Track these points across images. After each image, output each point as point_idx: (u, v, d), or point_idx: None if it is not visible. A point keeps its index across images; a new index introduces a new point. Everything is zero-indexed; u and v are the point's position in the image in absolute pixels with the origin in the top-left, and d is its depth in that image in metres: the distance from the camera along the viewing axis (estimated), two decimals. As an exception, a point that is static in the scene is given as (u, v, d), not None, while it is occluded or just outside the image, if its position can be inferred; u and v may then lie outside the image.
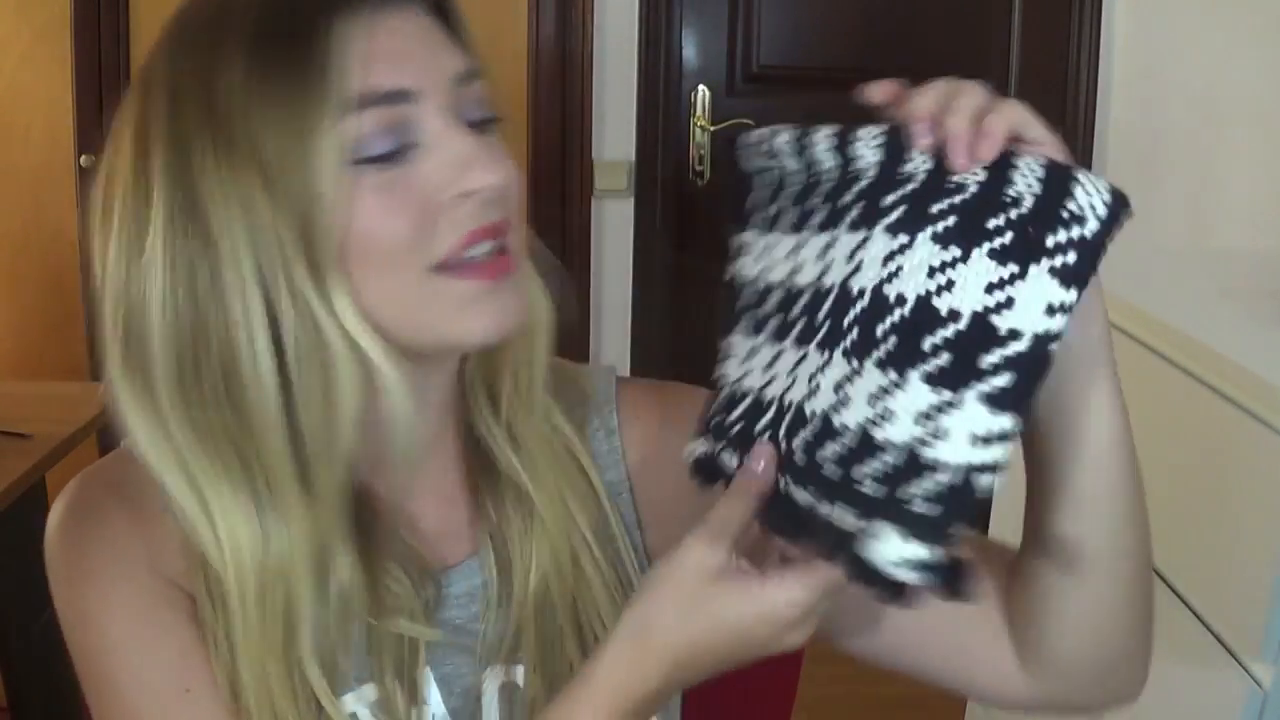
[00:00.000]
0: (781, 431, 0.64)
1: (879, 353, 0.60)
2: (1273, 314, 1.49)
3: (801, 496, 0.62)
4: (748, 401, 0.67)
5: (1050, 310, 0.57)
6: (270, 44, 0.66)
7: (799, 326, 0.65)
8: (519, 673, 0.79)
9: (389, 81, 0.67)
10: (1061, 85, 2.92)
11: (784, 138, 0.68)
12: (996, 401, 0.57)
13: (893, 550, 0.57)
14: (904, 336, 0.59)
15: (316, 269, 0.67)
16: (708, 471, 0.69)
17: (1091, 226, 0.57)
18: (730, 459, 0.67)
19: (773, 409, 0.65)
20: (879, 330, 0.60)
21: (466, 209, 0.69)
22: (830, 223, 0.65)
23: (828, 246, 0.65)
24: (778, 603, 0.63)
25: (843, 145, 0.65)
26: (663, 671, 0.66)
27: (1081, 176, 0.58)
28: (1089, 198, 0.57)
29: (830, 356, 0.62)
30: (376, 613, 0.74)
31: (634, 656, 0.67)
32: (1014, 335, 0.57)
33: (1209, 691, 1.28)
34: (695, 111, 2.96)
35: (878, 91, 0.63)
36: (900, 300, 0.60)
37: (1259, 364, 1.26)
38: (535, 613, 0.79)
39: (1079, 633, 0.73)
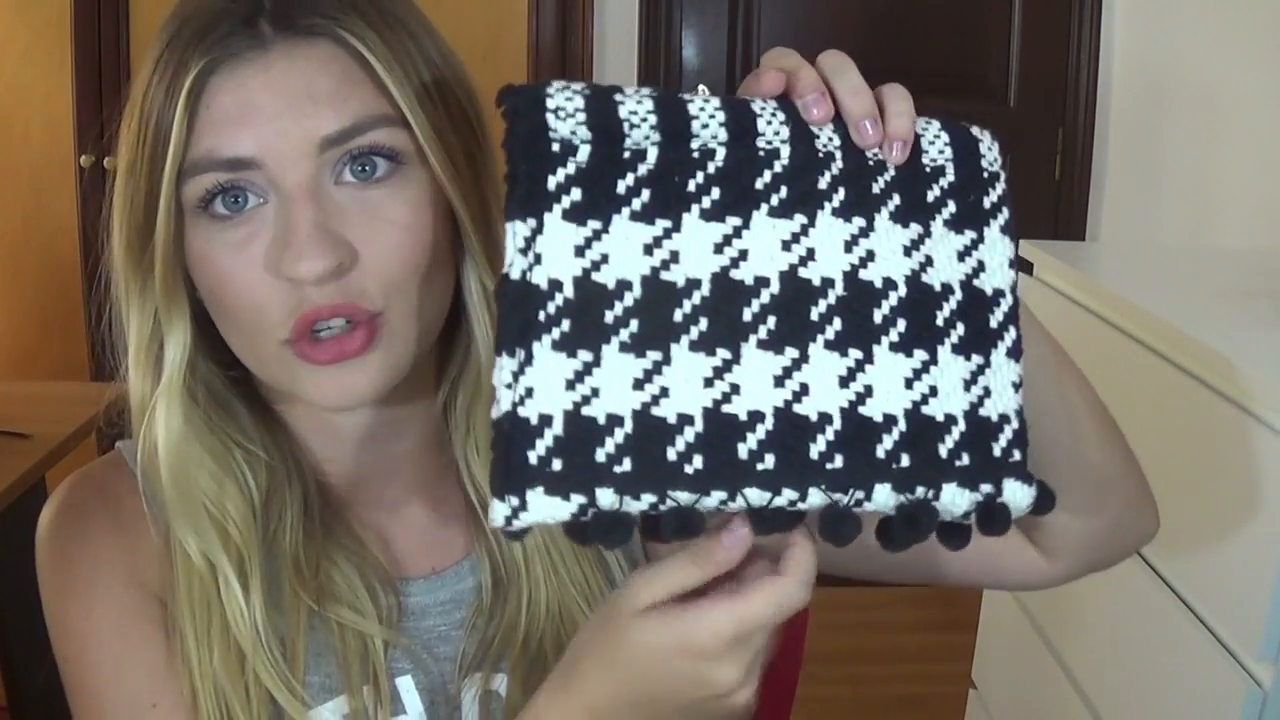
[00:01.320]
0: (751, 446, 0.55)
1: (889, 337, 0.58)
2: (1273, 314, 1.49)
3: (846, 496, 0.57)
4: (627, 427, 0.54)
5: (1010, 265, 0.62)
6: (154, 86, 0.67)
7: (698, 328, 0.55)
8: (496, 681, 0.79)
9: (227, 149, 0.67)
10: (1061, 85, 2.93)
11: (637, 106, 0.56)
12: (1014, 354, 0.61)
13: (1022, 498, 0.60)
14: (912, 317, 0.59)
15: (150, 317, 0.71)
16: (612, 530, 0.54)
17: (1004, 179, 0.62)
18: (633, 502, 0.54)
19: (696, 424, 0.55)
20: (878, 316, 0.58)
21: (304, 291, 0.67)
22: (729, 209, 0.57)
23: (731, 235, 0.57)
24: (699, 632, 0.57)
25: (736, 124, 0.57)
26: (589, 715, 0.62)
27: (976, 132, 0.62)
28: (991, 151, 0.62)
29: (804, 352, 0.56)
30: (318, 598, 0.74)
31: (562, 705, 0.62)
32: (999, 294, 0.61)
33: (1209, 691, 1.28)
34: (695, 111, 2.96)
35: (769, 81, 0.58)
36: (890, 284, 0.59)
37: (1259, 364, 1.26)
38: (525, 629, 0.79)
39: (1080, 515, 0.76)
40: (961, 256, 0.61)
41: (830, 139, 0.59)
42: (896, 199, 0.60)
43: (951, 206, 0.61)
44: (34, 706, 2.03)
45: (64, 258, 3.04)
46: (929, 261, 0.60)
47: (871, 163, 0.59)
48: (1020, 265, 2.05)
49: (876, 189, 0.59)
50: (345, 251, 0.67)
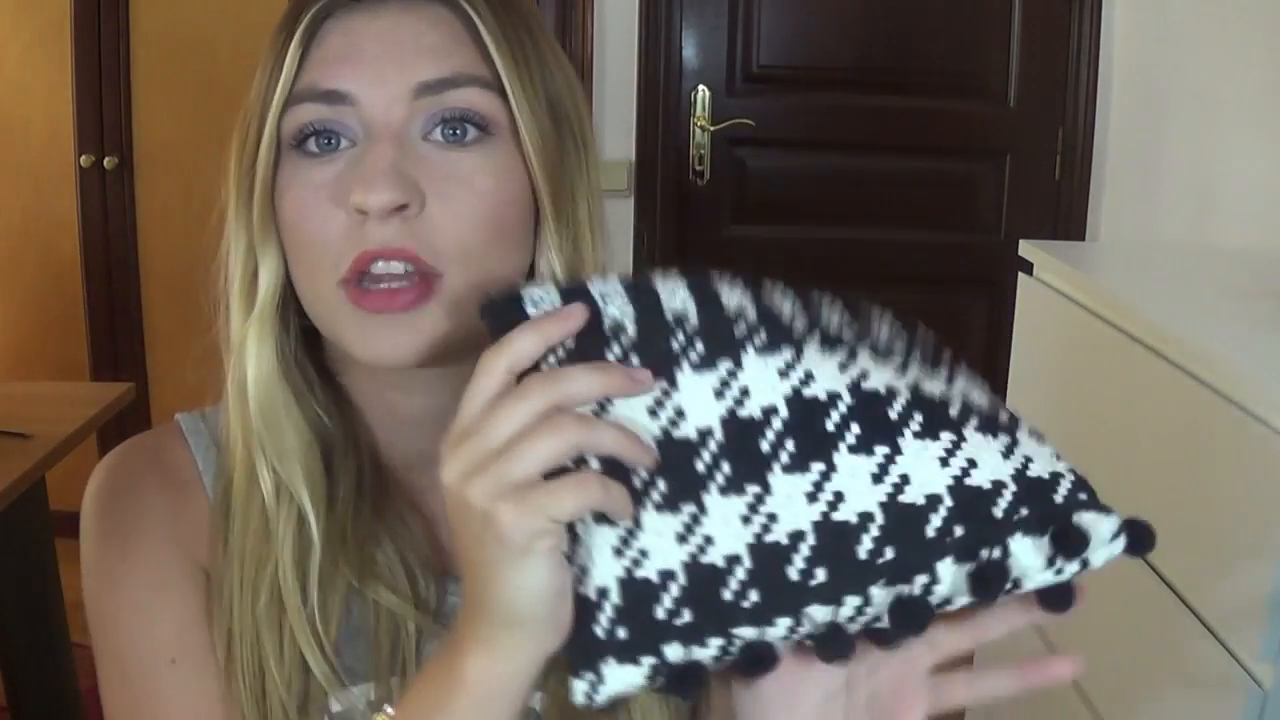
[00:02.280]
0: (799, 565, 0.57)
1: (911, 427, 0.59)
2: (1273, 314, 1.49)
3: (851, 602, 0.58)
4: (680, 580, 0.56)
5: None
6: (277, 31, 0.72)
7: (723, 471, 0.58)
8: (534, 697, 0.78)
9: (328, 82, 0.70)
10: (1061, 85, 2.93)
11: (605, 286, 0.60)
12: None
13: (1106, 529, 0.59)
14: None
15: (251, 250, 0.73)
16: (686, 682, 0.57)
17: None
18: (699, 650, 0.57)
19: (745, 561, 0.57)
20: (892, 414, 0.59)
21: (367, 226, 0.68)
22: (716, 357, 0.59)
23: (727, 378, 0.59)
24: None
25: (701, 293, 0.60)
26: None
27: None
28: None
29: (829, 463, 0.59)
30: (360, 577, 0.74)
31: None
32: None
33: (1209, 691, 1.29)
34: (695, 111, 2.96)
35: None
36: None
37: (1259, 364, 1.26)
38: None
39: None
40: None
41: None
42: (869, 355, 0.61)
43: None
44: (34, 706, 2.03)
45: (64, 257, 3.04)
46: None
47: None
48: (1020, 265, 2.05)
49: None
50: (414, 194, 0.68)
